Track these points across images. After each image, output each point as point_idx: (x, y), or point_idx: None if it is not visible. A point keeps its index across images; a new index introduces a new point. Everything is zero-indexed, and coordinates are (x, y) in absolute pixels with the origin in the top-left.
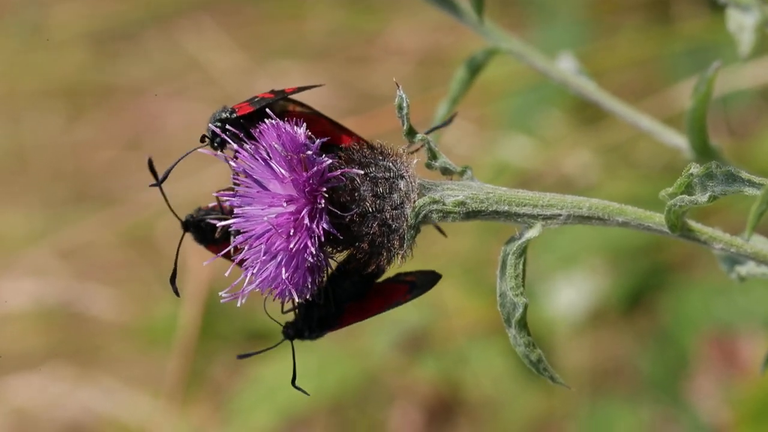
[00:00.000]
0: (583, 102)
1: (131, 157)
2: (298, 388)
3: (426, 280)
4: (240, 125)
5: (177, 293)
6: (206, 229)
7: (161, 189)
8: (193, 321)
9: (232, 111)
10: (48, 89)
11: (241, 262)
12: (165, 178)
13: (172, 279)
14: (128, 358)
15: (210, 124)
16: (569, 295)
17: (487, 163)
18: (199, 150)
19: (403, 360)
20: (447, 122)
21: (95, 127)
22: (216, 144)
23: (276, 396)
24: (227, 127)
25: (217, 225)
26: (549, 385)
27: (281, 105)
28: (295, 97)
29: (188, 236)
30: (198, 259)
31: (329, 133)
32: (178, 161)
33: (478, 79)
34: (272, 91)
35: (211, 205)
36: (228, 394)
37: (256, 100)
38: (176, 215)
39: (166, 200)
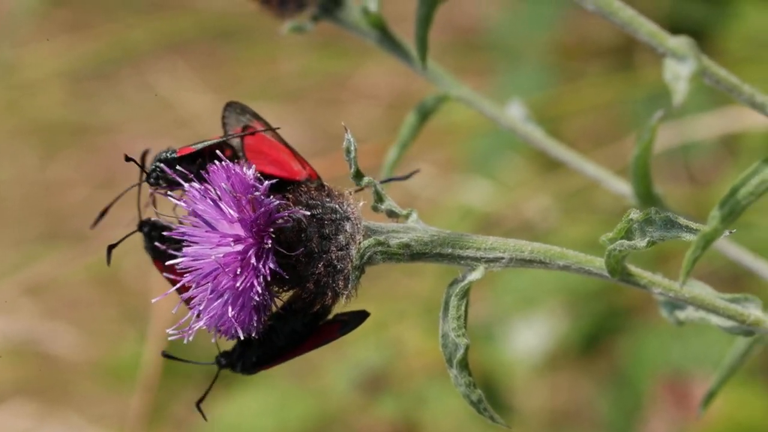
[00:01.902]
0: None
1: (104, 195)
2: (200, 411)
3: (356, 318)
4: (182, 165)
5: (108, 262)
6: (155, 238)
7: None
8: (157, 359)
9: (173, 152)
10: (22, 128)
11: (188, 300)
12: (104, 214)
13: (109, 249)
14: (93, 395)
15: (152, 164)
16: (528, 337)
17: (450, 207)
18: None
19: (363, 399)
20: (405, 177)
21: (69, 165)
22: (152, 181)
23: None
24: (165, 167)
25: (166, 263)
26: (508, 426)
27: (247, 119)
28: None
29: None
30: (163, 299)
31: (284, 161)
32: (118, 198)
33: (441, 122)
34: (223, 134)
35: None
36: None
37: (199, 142)
38: (140, 212)
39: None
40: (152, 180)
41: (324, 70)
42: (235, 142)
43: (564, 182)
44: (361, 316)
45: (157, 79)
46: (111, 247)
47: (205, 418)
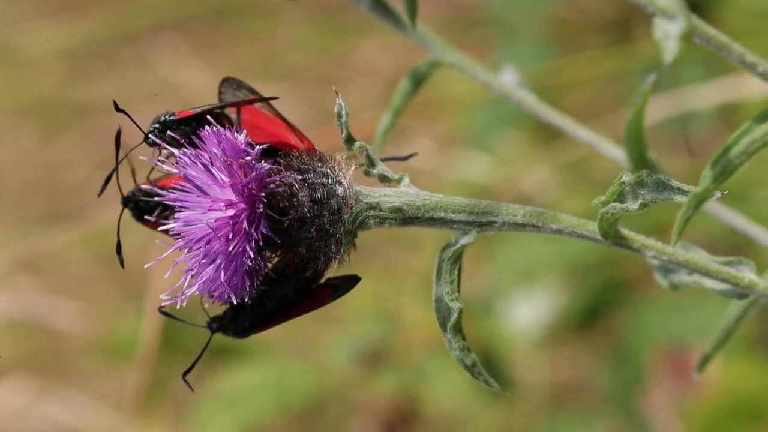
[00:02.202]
0: (542, 121)
1: (103, 175)
2: (186, 382)
3: (348, 282)
4: (179, 129)
5: (122, 264)
6: (144, 208)
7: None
8: (155, 335)
9: (172, 114)
10: (22, 108)
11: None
12: (107, 182)
13: (118, 250)
14: (92, 371)
15: (149, 125)
16: (527, 311)
17: (449, 180)
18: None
19: (363, 374)
20: (403, 158)
21: (69, 145)
22: (149, 143)
23: (237, 409)
24: (166, 129)
25: (158, 230)
26: (508, 399)
27: (244, 94)
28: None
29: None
30: (160, 275)
31: (282, 135)
32: (118, 164)
33: (438, 95)
34: (219, 101)
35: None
36: (189, 408)
37: (198, 107)
38: (120, 191)
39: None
40: (150, 141)
41: (323, 47)
42: (233, 117)
43: (562, 155)
44: (353, 280)
45: (156, 57)
46: (119, 249)
47: (192, 389)
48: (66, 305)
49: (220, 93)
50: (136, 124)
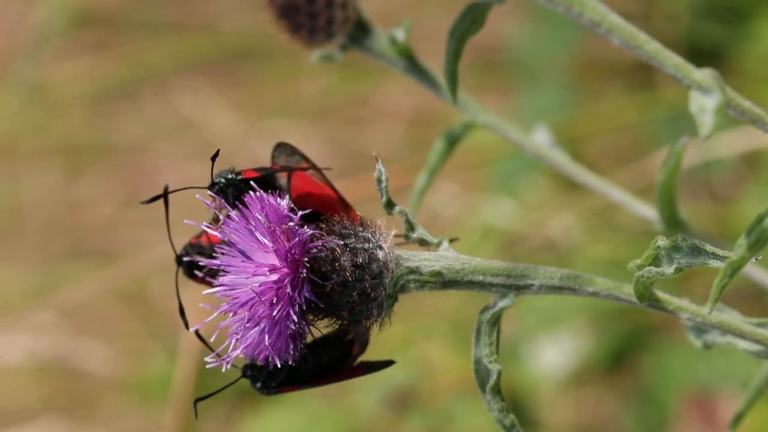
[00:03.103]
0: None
1: (128, 213)
2: (195, 409)
3: (381, 364)
4: (240, 188)
5: (187, 325)
6: (193, 266)
7: (166, 208)
8: (188, 377)
9: (239, 173)
10: (47, 147)
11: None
12: (154, 200)
13: (181, 312)
14: (122, 412)
15: (213, 180)
16: (553, 354)
17: (474, 226)
18: (196, 196)
19: (391, 417)
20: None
21: (93, 184)
22: (214, 192)
23: None
24: (230, 186)
25: (203, 293)
26: None
27: (296, 160)
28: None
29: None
30: (193, 315)
31: (329, 203)
32: (167, 193)
33: (466, 144)
34: (280, 166)
35: (196, 240)
36: None
37: (265, 168)
38: (173, 247)
39: (168, 224)
40: (215, 191)
41: (345, 89)
42: (283, 182)
43: (586, 201)
44: (386, 364)
45: (180, 98)
46: (182, 311)
47: (196, 416)
48: (95, 346)
49: (273, 157)
50: (166, 203)
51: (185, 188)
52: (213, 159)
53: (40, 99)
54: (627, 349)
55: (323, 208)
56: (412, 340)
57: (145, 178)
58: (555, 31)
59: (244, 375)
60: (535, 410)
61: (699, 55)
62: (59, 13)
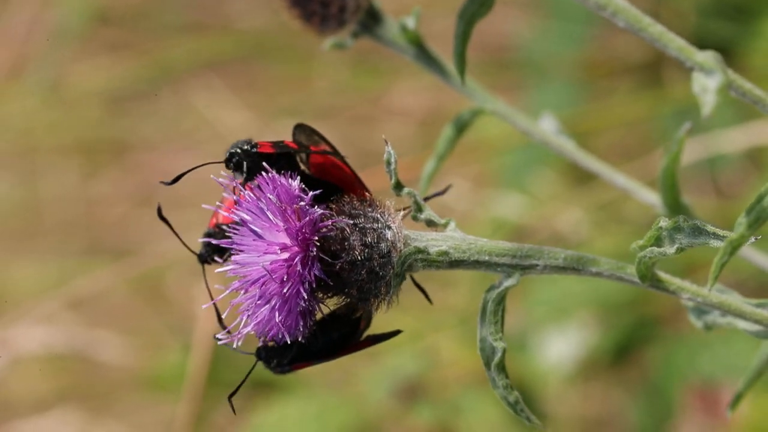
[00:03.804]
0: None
1: (143, 211)
2: (231, 404)
3: (389, 335)
4: (255, 161)
5: (225, 328)
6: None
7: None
8: (201, 368)
9: (255, 145)
10: (65, 146)
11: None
12: (177, 180)
13: (219, 319)
14: (137, 404)
15: (228, 150)
16: (560, 347)
17: (484, 220)
18: (212, 176)
19: (400, 408)
20: (442, 192)
21: (109, 182)
22: (231, 166)
23: None
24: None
25: (216, 270)
26: (543, 427)
27: (315, 140)
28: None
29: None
30: (206, 307)
31: (347, 183)
32: (190, 170)
33: (474, 137)
34: (297, 142)
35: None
36: None
37: (280, 144)
38: (186, 245)
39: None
40: (232, 165)
41: (357, 87)
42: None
43: (594, 195)
44: (392, 334)
45: (195, 97)
46: (220, 318)
47: (235, 412)
48: (110, 338)
49: (293, 135)
50: (174, 232)
51: (201, 165)
52: (160, 216)
53: (57, 98)
54: (632, 341)
55: (341, 184)
56: (420, 333)
57: (160, 177)
58: (564, 29)
59: (258, 356)
60: (543, 402)
61: (706, 50)
62: (77, 12)
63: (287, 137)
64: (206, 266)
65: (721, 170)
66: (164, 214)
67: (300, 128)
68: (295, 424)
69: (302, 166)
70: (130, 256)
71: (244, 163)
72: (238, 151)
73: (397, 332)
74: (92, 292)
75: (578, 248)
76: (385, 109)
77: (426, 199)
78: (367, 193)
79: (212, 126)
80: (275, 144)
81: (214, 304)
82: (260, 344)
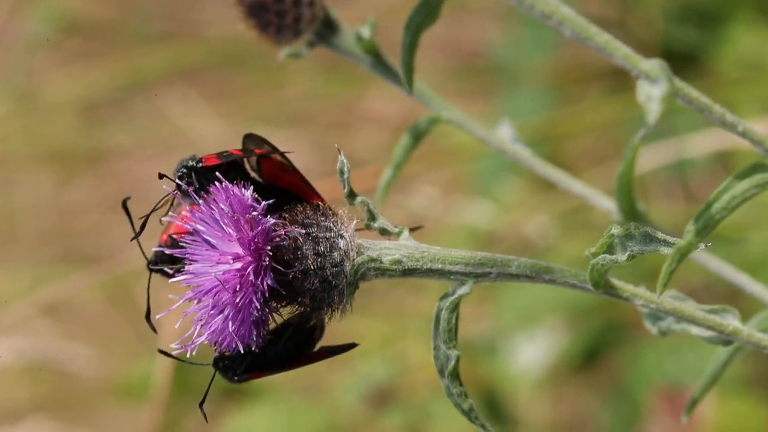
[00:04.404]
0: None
1: (117, 219)
2: (203, 412)
3: (345, 348)
4: (203, 176)
5: (154, 330)
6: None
7: (139, 242)
8: (167, 376)
9: (199, 160)
10: (38, 154)
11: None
12: (141, 230)
13: (147, 316)
14: (110, 413)
15: (176, 170)
16: (530, 352)
17: (453, 227)
18: (164, 187)
19: (371, 413)
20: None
21: (83, 190)
22: (182, 188)
23: None
24: (191, 174)
25: (169, 281)
26: None
27: (265, 148)
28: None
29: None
30: (171, 318)
31: (299, 188)
32: (150, 212)
33: (444, 144)
34: (242, 149)
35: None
36: None
37: (225, 154)
38: (144, 255)
39: (141, 248)
40: (182, 183)
41: (330, 94)
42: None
43: (561, 202)
44: (348, 347)
45: (168, 105)
46: (149, 315)
47: (206, 420)
48: (81, 347)
49: (243, 145)
50: (132, 225)
51: (154, 209)
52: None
53: (30, 106)
54: (601, 346)
55: (293, 189)
56: (391, 339)
57: (134, 184)
58: (536, 36)
59: (215, 366)
60: (513, 407)
61: (674, 58)
62: (49, 20)
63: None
64: (163, 279)
65: (690, 174)
66: (133, 219)
67: (249, 138)
68: (265, 430)
69: (254, 174)
70: (104, 265)
71: (193, 179)
72: (184, 170)
73: (353, 345)
74: (63, 299)
75: (545, 254)
76: (358, 116)
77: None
78: (319, 200)
79: (185, 133)
80: (220, 155)
81: (148, 303)
82: (216, 354)
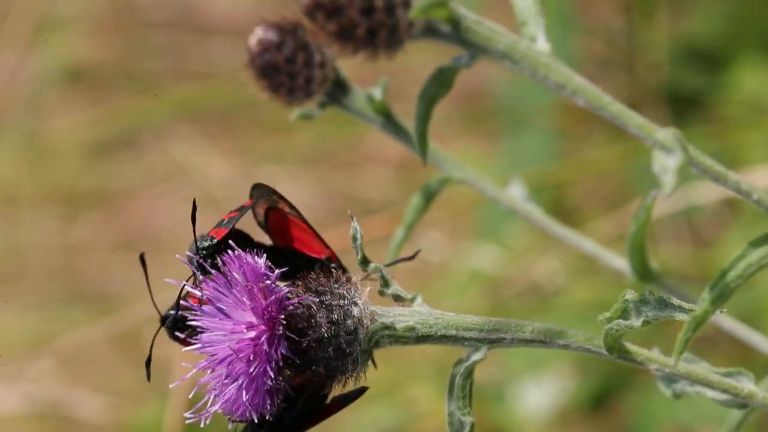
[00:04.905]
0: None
1: (124, 257)
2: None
3: (356, 393)
4: (218, 250)
5: (148, 378)
6: (176, 326)
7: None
8: (177, 423)
9: (212, 238)
10: (45, 194)
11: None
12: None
13: (147, 364)
14: None
15: (193, 254)
16: (538, 396)
17: (461, 272)
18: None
19: None
20: (411, 257)
21: (90, 229)
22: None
23: None
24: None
25: (183, 349)
26: None
27: (273, 200)
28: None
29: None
30: (179, 364)
31: (307, 240)
32: (178, 300)
33: (449, 190)
34: (239, 209)
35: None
36: None
37: (225, 222)
38: (157, 309)
39: (154, 301)
40: (197, 263)
41: (335, 136)
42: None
43: (569, 246)
44: (359, 392)
45: (175, 146)
46: (149, 363)
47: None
48: (88, 392)
49: (251, 196)
50: (147, 281)
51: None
52: (193, 218)
53: (38, 148)
54: (610, 390)
55: (300, 244)
56: (399, 384)
57: (140, 224)
58: None
59: None
60: None
61: (680, 102)
62: (54, 65)
63: (268, 184)
64: (174, 341)
65: (699, 217)
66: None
67: (258, 187)
68: None
69: (259, 222)
70: (112, 303)
71: (209, 257)
72: (204, 252)
73: (363, 390)
74: (73, 345)
75: (554, 298)
76: (364, 155)
77: (392, 263)
78: (329, 253)
79: (193, 173)
80: (221, 224)
81: (149, 359)
82: (230, 426)
